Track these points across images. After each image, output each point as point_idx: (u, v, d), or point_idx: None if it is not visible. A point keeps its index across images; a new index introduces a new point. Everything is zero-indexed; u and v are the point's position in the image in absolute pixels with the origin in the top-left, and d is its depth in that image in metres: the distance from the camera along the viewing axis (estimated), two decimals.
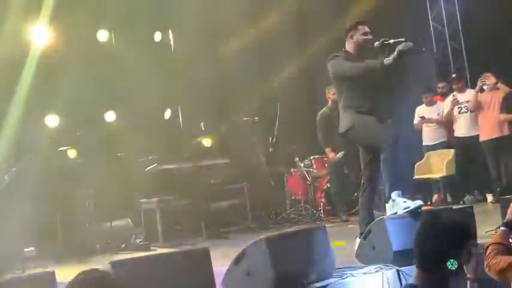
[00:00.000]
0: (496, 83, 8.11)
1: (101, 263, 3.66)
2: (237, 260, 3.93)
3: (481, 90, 8.22)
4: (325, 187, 8.88)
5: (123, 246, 7.17)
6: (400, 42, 4.77)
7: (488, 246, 2.99)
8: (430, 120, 8.83)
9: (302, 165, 9.15)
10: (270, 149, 9.45)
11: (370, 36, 5.06)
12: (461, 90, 8.61)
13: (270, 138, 9.41)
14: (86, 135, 7.97)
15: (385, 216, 4.72)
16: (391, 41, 4.85)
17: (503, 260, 2.84)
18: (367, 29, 5.11)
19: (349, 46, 5.13)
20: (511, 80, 7.97)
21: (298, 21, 10.97)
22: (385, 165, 4.74)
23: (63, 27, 8.08)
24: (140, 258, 3.74)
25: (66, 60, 8.13)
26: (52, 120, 8.27)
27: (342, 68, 4.99)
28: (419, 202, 4.70)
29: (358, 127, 4.96)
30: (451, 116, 8.61)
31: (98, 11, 8.47)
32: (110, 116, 8.75)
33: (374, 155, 4.88)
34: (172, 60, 9.38)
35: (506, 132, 8.04)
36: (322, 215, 8.72)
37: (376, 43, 4.95)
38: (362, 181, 5.07)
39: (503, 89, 8.10)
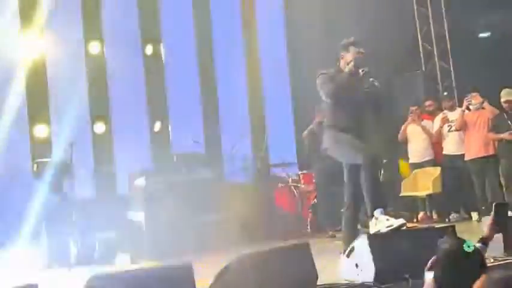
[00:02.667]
0: (482, 102, 8.21)
1: (85, 275, 3.65)
2: (220, 275, 3.95)
3: (468, 109, 8.32)
4: (313, 202, 8.92)
5: (108, 258, 7.16)
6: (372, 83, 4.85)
7: None
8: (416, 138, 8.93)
9: (290, 180, 9.19)
10: (259, 164, 9.48)
11: (356, 59, 4.94)
12: (451, 109, 8.72)
13: (259, 153, 9.45)
14: (75, 145, 7.97)
15: (368, 234, 4.75)
16: (371, 79, 4.90)
17: (480, 280, 2.84)
18: (358, 50, 5.00)
19: (342, 64, 5.10)
20: (498, 100, 8.06)
21: (288, 38, 11.07)
22: (365, 182, 4.77)
23: (54, 39, 8.13)
24: (121, 273, 3.74)
25: (57, 70, 8.17)
26: (41, 130, 8.28)
27: (321, 88, 5.01)
28: (402, 220, 4.72)
29: (338, 145, 5.01)
30: (441, 134, 8.70)
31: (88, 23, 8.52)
32: (99, 127, 8.77)
33: (356, 172, 4.92)
34: (163, 73, 9.41)
35: (491, 151, 8.12)
36: (309, 230, 8.75)
37: (360, 71, 4.92)
38: (345, 198, 5.11)
39: (489, 109, 8.20)
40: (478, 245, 2.94)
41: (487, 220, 2.99)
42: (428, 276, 2.42)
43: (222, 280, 3.93)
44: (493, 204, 3.01)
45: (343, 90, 4.95)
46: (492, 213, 2.93)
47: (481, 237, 2.97)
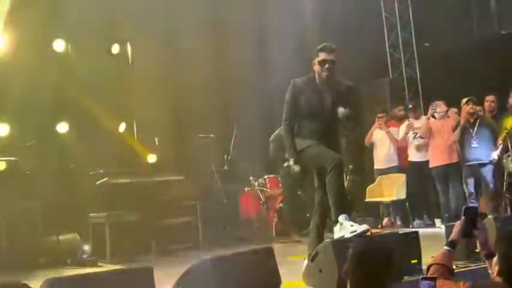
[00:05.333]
0: (447, 111, 8.31)
1: (45, 278, 3.54)
2: (181, 280, 3.88)
3: (433, 117, 8.41)
4: (278, 207, 8.90)
5: (69, 261, 7.02)
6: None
7: (430, 267, 2.96)
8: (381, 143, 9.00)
9: (256, 184, 9.16)
10: (225, 167, 9.43)
11: (326, 66, 4.89)
12: (417, 118, 8.81)
13: (225, 156, 9.39)
14: (37, 145, 7.81)
15: (332, 239, 4.74)
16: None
17: (446, 285, 2.81)
18: (326, 57, 4.91)
19: (314, 71, 5.05)
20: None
21: (258, 40, 11.05)
22: (329, 188, 4.78)
23: (18, 34, 7.93)
24: (78, 276, 3.65)
25: (20, 67, 7.97)
26: (1, 129, 8.06)
27: (285, 102, 5.05)
28: (365, 226, 4.72)
29: (305, 151, 4.99)
30: (406, 140, 8.79)
31: (54, 19, 8.35)
32: (63, 127, 8.59)
33: (325, 177, 4.91)
34: (129, 73, 9.27)
35: (455, 159, 8.22)
36: (274, 235, 8.73)
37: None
38: (315, 202, 5.11)
39: (453, 117, 8.30)
40: (445, 248, 2.91)
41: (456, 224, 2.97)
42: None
43: (183, 284, 3.86)
44: (463, 208, 2.99)
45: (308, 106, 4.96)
46: (462, 216, 2.91)
47: (449, 240, 2.95)
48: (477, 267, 4.71)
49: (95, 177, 7.82)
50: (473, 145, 7.77)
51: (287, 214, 8.60)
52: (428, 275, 2.85)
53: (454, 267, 4.86)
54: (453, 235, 2.96)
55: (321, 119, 4.96)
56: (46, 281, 3.16)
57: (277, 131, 8.50)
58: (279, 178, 8.98)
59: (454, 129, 8.10)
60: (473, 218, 2.89)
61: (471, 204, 6.97)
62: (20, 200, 7.25)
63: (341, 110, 4.87)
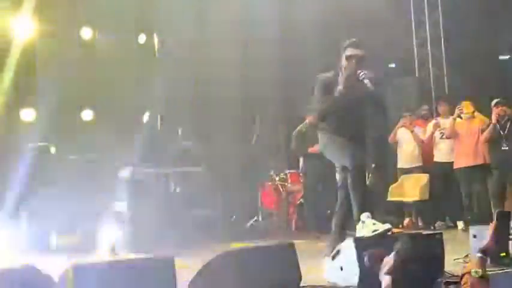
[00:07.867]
0: (474, 112, 8.19)
1: (64, 264, 3.56)
2: (202, 272, 3.87)
3: (459, 117, 8.30)
4: (299, 202, 8.87)
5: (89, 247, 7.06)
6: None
7: (463, 276, 2.90)
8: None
9: (277, 178, 9.14)
10: (246, 160, 9.42)
11: (353, 60, 4.88)
12: (445, 114, 8.68)
13: (247, 149, 9.38)
14: (62, 131, 7.87)
15: (354, 237, 4.70)
16: (366, 81, 4.78)
17: None
18: (353, 52, 4.91)
19: (342, 66, 5.01)
20: (490, 110, 8.05)
21: (283, 33, 11.00)
22: (351, 186, 4.76)
23: (46, 21, 7.99)
24: (103, 263, 3.66)
25: (47, 53, 8.03)
26: (28, 114, 8.14)
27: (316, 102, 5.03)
28: (388, 225, 4.68)
29: (328, 148, 5.02)
30: (432, 140, 8.68)
31: (82, 7, 8.39)
32: (87, 114, 8.64)
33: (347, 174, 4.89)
34: (154, 63, 9.31)
35: (480, 161, 8.10)
36: (293, 230, 8.70)
37: (359, 73, 4.82)
38: (338, 200, 5.09)
39: (480, 118, 8.18)
40: (478, 255, 2.85)
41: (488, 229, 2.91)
42: (386, 278, 2.40)
43: (203, 277, 3.86)
44: (496, 212, 2.93)
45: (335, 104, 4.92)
46: (494, 221, 2.84)
47: (482, 247, 2.89)
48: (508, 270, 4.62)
49: (118, 166, 7.84)
50: (503, 147, 7.68)
51: (307, 210, 8.57)
52: (462, 284, 2.80)
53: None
54: (486, 242, 2.89)
55: (346, 112, 4.94)
56: (72, 265, 3.18)
57: (299, 127, 8.49)
58: (300, 173, 8.94)
59: (482, 131, 7.99)
60: (506, 222, 2.82)
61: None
62: (43, 186, 7.31)
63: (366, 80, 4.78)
